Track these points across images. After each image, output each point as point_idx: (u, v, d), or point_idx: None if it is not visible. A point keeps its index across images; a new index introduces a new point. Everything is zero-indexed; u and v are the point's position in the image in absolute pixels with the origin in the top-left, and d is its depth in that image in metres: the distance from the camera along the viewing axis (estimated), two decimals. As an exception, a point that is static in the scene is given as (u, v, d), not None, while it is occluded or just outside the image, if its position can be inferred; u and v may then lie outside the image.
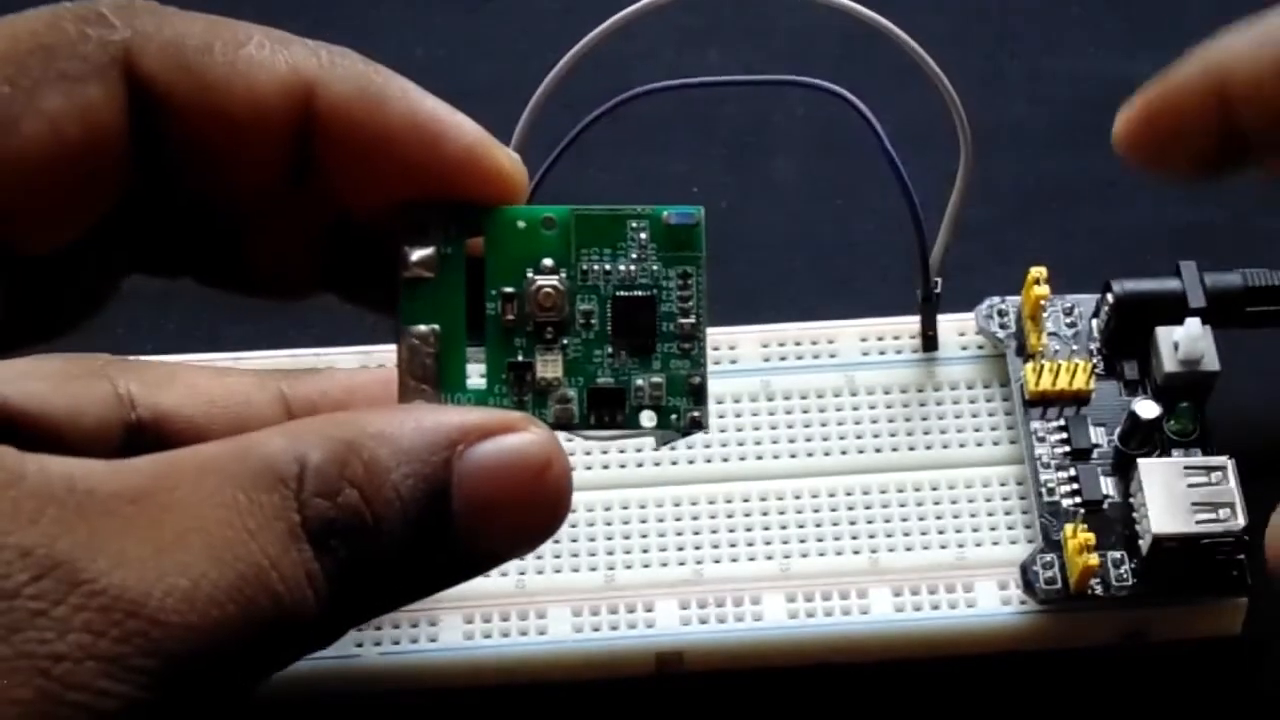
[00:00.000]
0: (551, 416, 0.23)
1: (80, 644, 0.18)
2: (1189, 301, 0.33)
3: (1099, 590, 0.30)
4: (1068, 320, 0.34)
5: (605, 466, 0.33)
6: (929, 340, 0.34)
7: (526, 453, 0.21)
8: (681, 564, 0.32)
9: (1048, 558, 0.31)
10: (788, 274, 0.38)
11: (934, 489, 0.32)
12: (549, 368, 0.23)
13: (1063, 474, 0.32)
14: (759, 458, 0.33)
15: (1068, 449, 0.32)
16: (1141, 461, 0.31)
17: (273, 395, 0.28)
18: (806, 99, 0.40)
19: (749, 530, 0.32)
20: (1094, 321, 0.34)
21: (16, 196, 0.21)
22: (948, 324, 0.34)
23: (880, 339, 0.34)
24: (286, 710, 0.30)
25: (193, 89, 0.22)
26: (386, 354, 0.33)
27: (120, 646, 0.18)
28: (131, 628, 0.18)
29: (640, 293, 0.24)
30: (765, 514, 0.32)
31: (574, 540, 0.32)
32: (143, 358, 0.29)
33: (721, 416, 0.33)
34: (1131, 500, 0.31)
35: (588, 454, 0.32)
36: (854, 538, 0.32)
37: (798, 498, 0.32)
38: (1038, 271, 0.33)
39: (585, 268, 0.24)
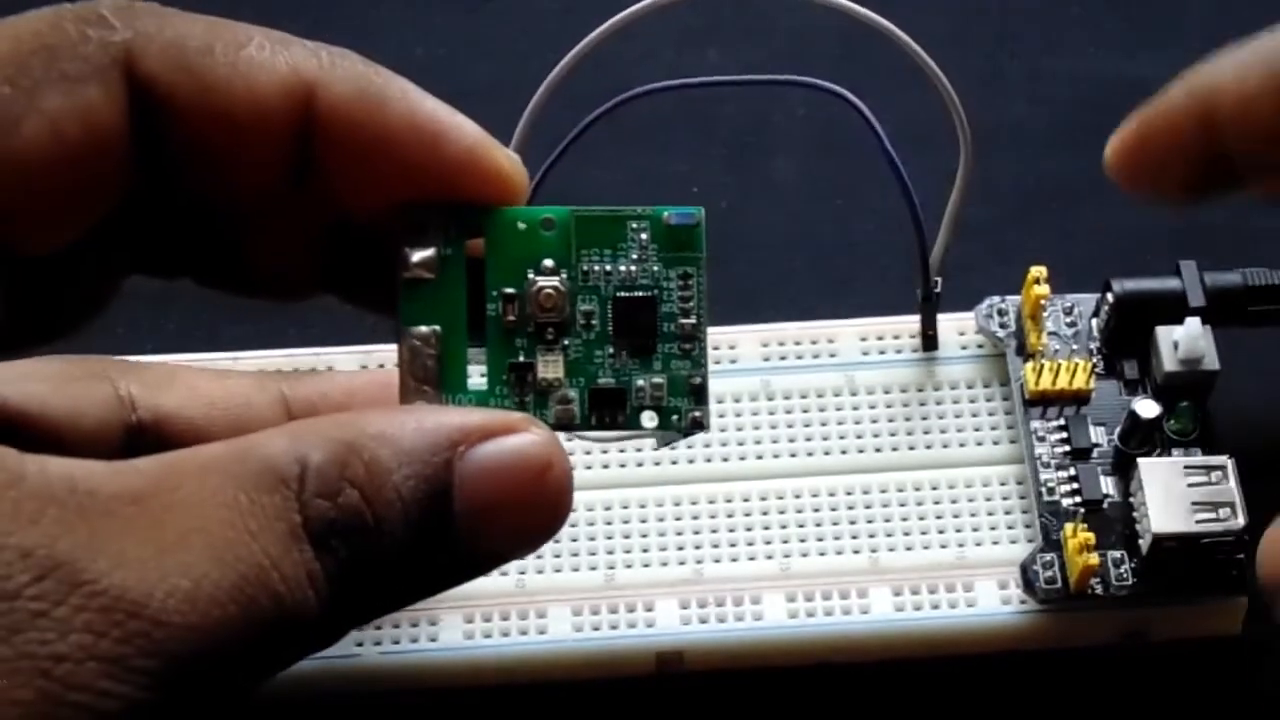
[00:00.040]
0: (552, 417, 0.23)
1: (81, 645, 0.18)
2: (1189, 301, 0.33)
3: (1099, 590, 0.31)
4: (1068, 320, 0.34)
5: (605, 466, 0.33)
6: (929, 340, 0.34)
7: (527, 453, 0.21)
8: (681, 564, 0.32)
9: (1048, 557, 0.31)
10: (788, 274, 0.38)
11: (934, 488, 0.32)
12: (550, 368, 0.23)
13: (1063, 473, 0.32)
14: (759, 457, 0.33)
15: (1068, 448, 0.32)
16: (1141, 461, 0.31)
17: (273, 397, 0.28)
18: (806, 99, 0.40)
19: (749, 530, 0.32)
20: (1094, 321, 0.34)
21: (17, 197, 0.21)
22: (948, 323, 0.34)
23: (880, 339, 0.34)
24: (286, 710, 0.30)
25: (193, 90, 0.22)
26: (387, 354, 0.34)
27: (121, 647, 0.18)
28: (133, 628, 0.18)
29: (641, 293, 0.24)
30: (765, 514, 0.32)
31: (574, 540, 0.32)
32: (143, 359, 0.29)
33: (721, 416, 0.33)
34: (1131, 500, 0.31)
35: (588, 454, 0.32)
36: (854, 537, 0.32)
37: (798, 497, 0.32)
38: (1038, 271, 0.33)
39: (586, 268, 0.24)
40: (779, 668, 0.31)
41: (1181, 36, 0.40)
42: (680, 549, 0.32)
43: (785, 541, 0.32)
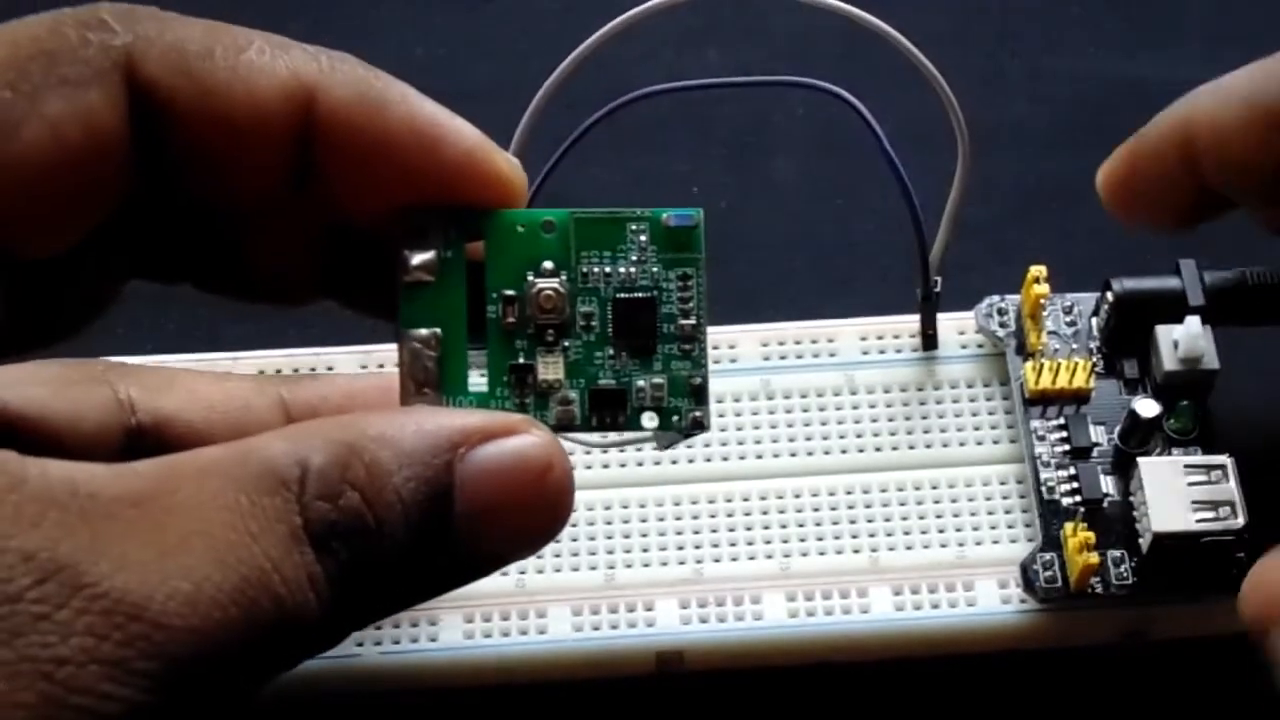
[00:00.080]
0: (553, 418, 0.23)
1: (83, 647, 0.18)
2: (1189, 300, 0.33)
3: (1099, 589, 0.31)
4: (1067, 319, 0.34)
5: (605, 466, 0.33)
6: (929, 339, 0.34)
7: (528, 455, 0.21)
8: (681, 563, 0.32)
9: (1048, 556, 0.31)
10: (788, 274, 0.38)
11: (934, 488, 0.32)
12: (550, 370, 0.23)
13: (1063, 473, 0.32)
14: (759, 457, 0.33)
15: (1068, 448, 0.32)
16: (1141, 460, 0.31)
17: (272, 400, 0.28)
18: (806, 99, 0.40)
19: (749, 529, 0.32)
20: (1094, 320, 0.34)
21: (17, 201, 0.21)
22: (947, 323, 0.34)
23: (880, 338, 0.34)
24: (287, 710, 0.30)
25: (194, 94, 0.22)
26: (387, 354, 0.34)
27: (123, 650, 0.18)
28: (134, 631, 0.18)
29: (640, 294, 0.24)
30: (765, 513, 0.32)
31: (574, 540, 0.32)
32: (143, 362, 0.29)
33: (721, 416, 0.33)
34: (1131, 499, 0.31)
35: (588, 454, 0.32)
36: (854, 537, 0.32)
37: (798, 497, 0.32)
38: (1037, 270, 0.33)
39: (585, 270, 0.24)
40: (779, 668, 0.31)
41: (1181, 36, 0.40)
42: (680, 549, 0.32)
43: (785, 541, 0.32)
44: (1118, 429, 0.32)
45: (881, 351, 0.34)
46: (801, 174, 0.40)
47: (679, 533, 0.32)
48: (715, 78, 0.36)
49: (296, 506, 0.20)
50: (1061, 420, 0.32)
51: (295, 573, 0.20)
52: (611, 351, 0.24)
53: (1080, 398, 0.33)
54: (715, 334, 0.32)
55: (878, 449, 0.33)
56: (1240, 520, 0.30)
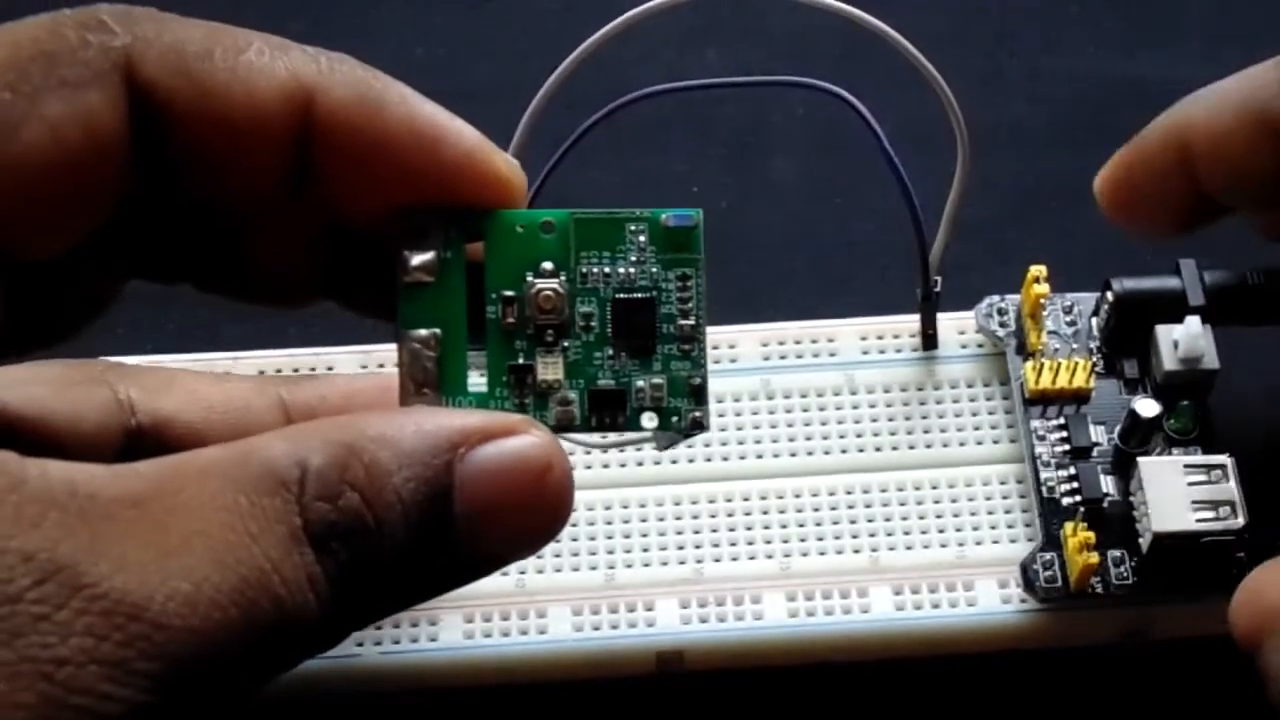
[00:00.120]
0: (552, 419, 0.23)
1: (83, 648, 0.18)
2: (1189, 299, 0.33)
3: (1099, 589, 0.31)
4: (1067, 319, 0.34)
5: (605, 466, 0.33)
6: (929, 339, 0.34)
7: (527, 455, 0.21)
8: (682, 563, 0.32)
9: (1048, 556, 0.31)
10: (788, 274, 0.38)
11: (934, 487, 0.32)
12: (550, 370, 0.23)
13: (1063, 472, 0.32)
14: (759, 457, 0.33)
15: (1068, 447, 0.32)
16: (1142, 460, 0.31)
17: (272, 400, 0.28)
18: (806, 99, 0.40)
19: (749, 529, 0.32)
20: (1094, 320, 0.34)
21: (17, 202, 0.21)
22: (947, 323, 0.34)
23: (880, 338, 0.34)
24: (287, 710, 0.30)
25: (193, 95, 0.22)
26: (387, 354, 0.34)
27: (123, 650, 0.18)
28: (134, 631, 0.18)
29: (640, 295, 0.24)
30: (765, 513, 0.32)
31: (574, 540, 0.32)
32: (143, 362, 0.29)
33: (721, 416, 0.33)
34: (1132, 498, 0.31)
35: (588, 454, 0.32)
36: (854, 536, 0.32)
37: (798, 497, 0.32)
38: (1037, 270, 0.33)
39: (585, 270, 0.24)
40: (779, 667, 0.31)
41: (1181, 36, 0.40)
42: (680, 549, 0.32)
43: (785, 541, 0.32)
44: (1118, 429, 0.32)
45: (881, 351, 0.34)
46: (801, 174, 0.40)
47: (679, 533, 0.32)
48: (715, 78, 0.36)
49: (296, 507, 0.20)
50: (1061, 420, 0.32)
51: (295, 573, 0.20)
52: (611, 352, 0.24)
53: (1080, 398, 0.33)
54: (715, 334, 0.32)
55: (878, 449, 0.33)
56: (1240, 520, 0.30)
